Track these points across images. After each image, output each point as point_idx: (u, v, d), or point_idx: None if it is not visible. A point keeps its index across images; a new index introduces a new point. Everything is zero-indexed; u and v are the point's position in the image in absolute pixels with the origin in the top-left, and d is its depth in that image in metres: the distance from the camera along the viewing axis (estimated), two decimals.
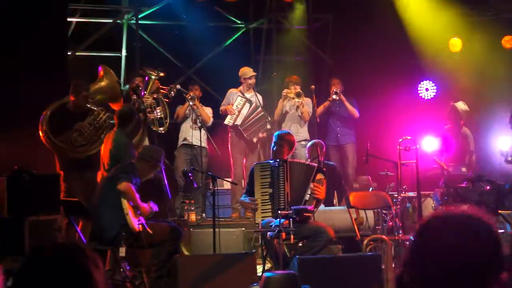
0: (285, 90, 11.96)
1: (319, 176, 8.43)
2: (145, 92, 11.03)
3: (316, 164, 8.77)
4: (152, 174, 8.72)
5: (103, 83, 10.23)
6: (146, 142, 10.53)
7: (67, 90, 9.75)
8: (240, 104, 11.68)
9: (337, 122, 12.38)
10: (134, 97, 10.36)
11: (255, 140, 11.78)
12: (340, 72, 12.87)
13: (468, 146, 11.80)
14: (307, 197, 8.34)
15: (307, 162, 8.99)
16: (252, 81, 11.89)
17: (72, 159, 9.60)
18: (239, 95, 11.76)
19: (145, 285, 7.58)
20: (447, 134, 11.80)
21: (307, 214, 8.23)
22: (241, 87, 11.92)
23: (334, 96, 12.11)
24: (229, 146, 11.81)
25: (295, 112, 11.95)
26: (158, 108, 11.07)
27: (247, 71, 11.97)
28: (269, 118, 11.79)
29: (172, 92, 11.24)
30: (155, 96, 11.07)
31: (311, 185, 8.35)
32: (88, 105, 9.70)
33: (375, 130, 12.37)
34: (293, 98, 11.83)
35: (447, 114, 12.03)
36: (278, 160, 8.49)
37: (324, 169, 8.75)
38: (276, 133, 8.98)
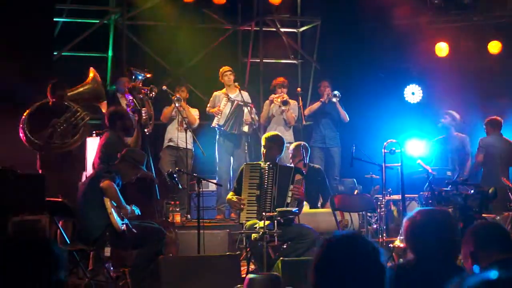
0: (272, 96, 11.97)
1: (298, 176, 8.46)
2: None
3: (293, 165, 8.80)
4: (134, 176, 8.67)
5: (87, 86, 10.31)
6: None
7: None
8: (223, 104, 11.68)
9: (325, 125, 12.32)
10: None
11: (245, 129, 11.66)
12: (327, 75, 12.89)
13: (465, 150, 11.92)
14: (288, 199, 8.36)
15: (286, 165, 9.00)
16: (228, 77, 11.87)
17: (51, 159, 9.63)
18: (224, 97, 11.75)
19: (129, 286, 7.57)
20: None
21: (291, 216, 8.25)
22: (224, 89, 11.92)
23: (333, 99, 12.08)
24: (216, 147, 11.79)
25: (280, 115, 11.95)
26: (143, 109, 11.05)
27: (221, 69, 12.01)
28: (246, 103, 11.68)
29: (153, 93, 11.18)
30: (140, 96, 11.05)
31: (291, 186, 8.37)
32: (66, 103, 9.77)
33: (361, 133, 12.40)
34: (279, 107, 11.83)
35: (445, 120, 12.11)
36: (269, 163, 8.51)
37: (304, 170, 8.76)
38: (265, 135, 8.98)
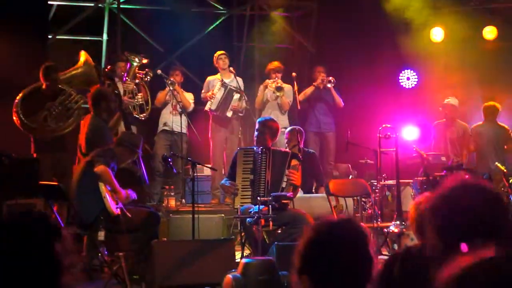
0: (266, 81, 11.94)
1: (294, 162, 8.45)
2: (127, 78, 10.98)
3: (290, 150, 8.79)
4: (130, 160, 8.67)
5: (79, 70, 10.26)
6: (122, 127, 10.47)
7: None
8: (217, 88, 11.63)
9: (320, 110, 12.31)
10: (108, 82, 10.29)
11: (229, 114, 11.67)
12: (322, 60, 12.86)
13: (467, 139, 11.93)
14: (283, 184, 8.36)
15: (282, 149, 9.00)
16: (223, 61, 11.83)
17: (45, 141, 9.61)
18: (218, 81, 11.71)
19: (123, 270, 7.55)
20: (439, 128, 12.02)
21: (286, 201, 8.24)
22: (218, 74, 11.89)
23: (328, 85, 12.06)
24: (210, 132, 11.77)
25: (275, 100, 11.92)
26: (139, 94, 11.01)
27: (216, 53, 11.99)
28: (238, 89, 11.67)
29: (148, 77, 11.16)
30: (136, 81, 11.01)
31: (287, 171, 8.37)
32: (59, 86, 9.75)
33: (356, 118, 12.38)
34: (273, 93, 11.81)
35: (443, 110, 12.11)
36: (261, 147, 8.51)
37: (300, 155, 8.75)
38: (259, 119, 8.98)
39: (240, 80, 11.87)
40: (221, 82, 11.65)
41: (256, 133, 8.71)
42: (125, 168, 8.88)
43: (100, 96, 9.36)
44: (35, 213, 2.37)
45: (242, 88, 11.78)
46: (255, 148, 8.62)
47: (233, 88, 11.60)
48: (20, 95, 9.75)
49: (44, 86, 9.79)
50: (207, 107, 11.64)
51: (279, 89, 11.73)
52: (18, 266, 2.20)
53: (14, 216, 2.34)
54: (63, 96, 9.80)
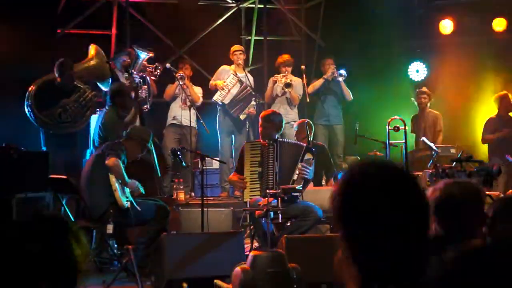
0: (276, 76, 11.91)
1: (308, 155, 8.42)
2: (133, 71, 10.98)
3: (305, 144, 8.75)
4: (140, 154, 8.67)
5: (92, 63, 10.27)
6: (137, 121, 10.48)
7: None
8: (232, 82, 11.60)
9: (329, 102, 12.27)
10: (126, 75, 10.29)
11: (242, 117, 11.68)
12: (330, 52, 12.83)
13: (438, 126, 11.94)
14: (295, 176, 8.33)
15: (296, 142, 8.97)
16: (238, 56, 11.80)
17: (56, 135, 9.62)
18: (232, 74, 11.67)
19: (132, 263, 7.56)
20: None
21: (295, 194, 8.24)
22: (233, 66, 11.86)
23: (340, 78, 12.02)
24: (217, 124, 11.75)
25: (284, 94, 11.90)
26: (143, 86, 11.01)
27: (233, 47, 11.98)
28: (257, 95, 11.69)
29: (158, 71, 11.16)
30: (141, 74, 11.01)
31: (300, 165, 8.34)
32: (75, 83, 9.75)
33: (365, 111, 12.36)
34: (282, 88, 11.78)
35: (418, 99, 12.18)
36: (268, 140, 8.49)
37: (313, 148, 8.72)
38: (261, 115, 8.94)
39: (251, 78, 11.87)
40: (237, 77, 11.61)
41: (260, 128, 8.70)
42: (141, 160, 8.89)
43: (116, 92, 9.39)
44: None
45: (253, 85, 11.78)
46: (262, 141, 8.61)
47: (253, 94, 11.58)
48: (33, 87, 9.74)
49: (59, 79, 9.79)
50: (216, 98, 11.59)
51: (288, 85, 11.70)
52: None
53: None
54: (77, 93, 9.81)
